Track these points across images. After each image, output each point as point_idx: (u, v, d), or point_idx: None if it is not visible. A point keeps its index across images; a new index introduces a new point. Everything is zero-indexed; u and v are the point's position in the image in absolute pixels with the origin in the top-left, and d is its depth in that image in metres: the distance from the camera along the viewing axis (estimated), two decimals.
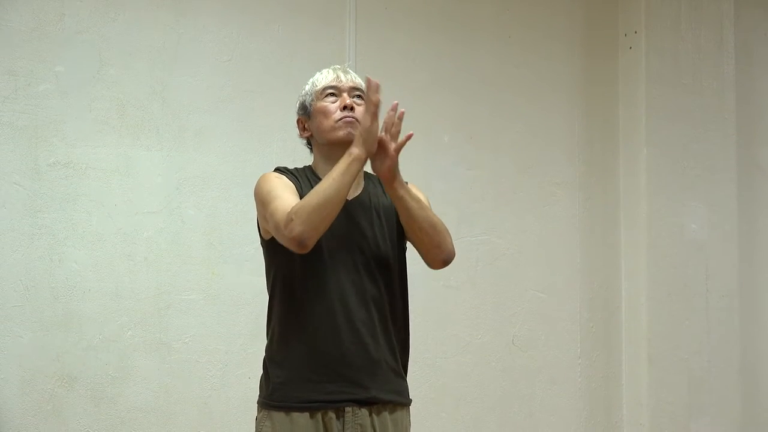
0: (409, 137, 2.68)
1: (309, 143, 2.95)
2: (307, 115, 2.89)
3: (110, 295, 4.02)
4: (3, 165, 3.90)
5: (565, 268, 4.90)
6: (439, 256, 2.82)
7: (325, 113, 2.82)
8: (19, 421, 3.86)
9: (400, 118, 2.68)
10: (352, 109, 2.81)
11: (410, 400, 2.85)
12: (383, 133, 2.67)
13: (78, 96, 4.02)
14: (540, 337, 4.83)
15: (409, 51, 4.65)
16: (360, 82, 2.88)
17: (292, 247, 2.63)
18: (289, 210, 2.63)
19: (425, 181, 4.54)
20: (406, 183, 2.88)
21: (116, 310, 4.02)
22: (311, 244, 2.62)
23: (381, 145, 2.68)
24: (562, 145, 4.94)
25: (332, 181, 2.63)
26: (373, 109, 2.64)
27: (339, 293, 2.72)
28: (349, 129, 2.78)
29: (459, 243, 4.66)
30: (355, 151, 2.66)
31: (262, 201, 2.76)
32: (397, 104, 2.68)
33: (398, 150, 2.68)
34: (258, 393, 2.83)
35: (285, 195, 2.71)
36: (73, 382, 3.94)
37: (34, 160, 3.94)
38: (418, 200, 2.76)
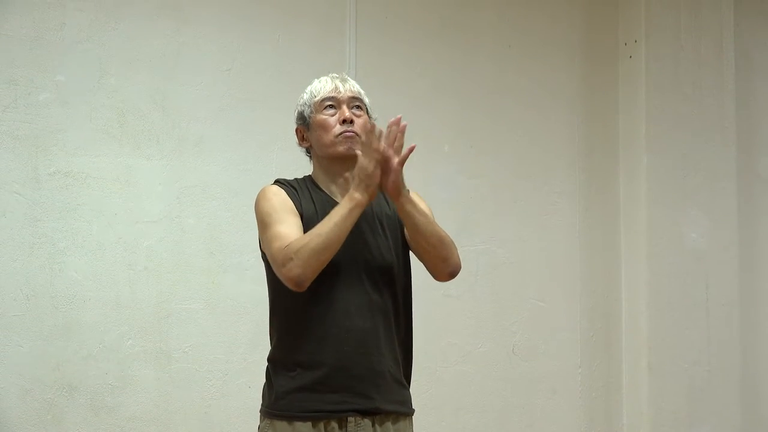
0: (411, 150, 2.65)
1: (308, 152, 2.95)
2: (306, 126, 2.88)
3: (110, 304, 4.01)
4: (3, 174, 3.90)
5: (566, 276, 4.90)
6: (445, 270, 2.81)
7: (325, 127, 2.81)
8: (18, 431, 3.85)
9: (402, 132, 2.66)
10: (351, 122, 2.80)
11: (413, 410, 2.85)
12: (386, 147, 2.65)
13: (78, 105, 4.02)
14: (540, 346, 4.82)
15: (409, 59, 4.65)
16: (359, 90, 2.88)
17: (289, 286, 2.65)
18: (288, 244, 2.64)
19: (425, 189, 4.50)
20: (408, 190, 2.88)
21: (116, 320, 4.02)
22: (307, 285, 2.64)
23: (384, 160, 2.66)
24: (563, 153, 4.94)
25: (333, 225, 2.62)
26: (376, 156, 2.63)
27: (342, 303, 2.72)
28: (349, 144, 2.78)
29: (459, 252, 4.66)
30: (357, 196, 2.65)
31: (262, 222, 2.77)
32: (400, 118, 2.66)
33: (401, 163, 2.66)
34: (261, 401, 2.82)
35: (284, 219, 2.71)
36: (73, 391, 3.94)
37: (35, 169, 3.94)
38: (424, 214, 2.75)
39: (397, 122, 2.66)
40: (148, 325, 4.06)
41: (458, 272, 2.84)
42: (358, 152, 2.68)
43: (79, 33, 4.05)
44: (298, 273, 2.61)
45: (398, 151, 2.66)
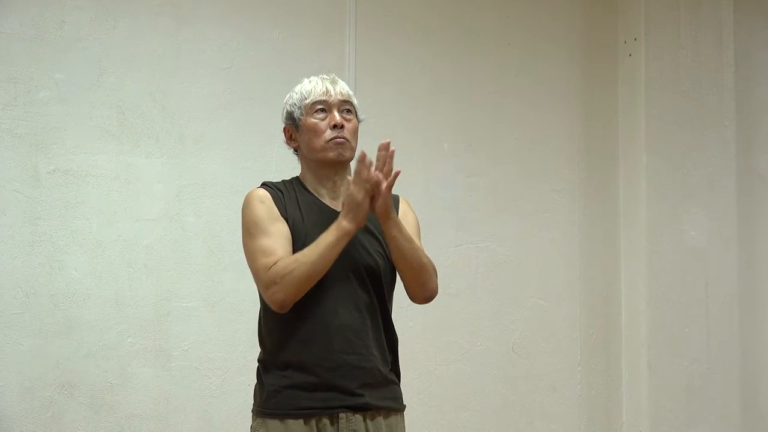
0: (396, 175, 2.67)
1: (295, 151, 2.94)
2: (295, 127, 2.88)
3: (110, 302, 4.02)
4: (3, 172, 3.91)
5: (565, 275, 4.90)
6: (422, 294, 2.85)
7: (315, 131, 2.81)
8: (18, 429, 3.86)
9: (391, 157, 2.67)
10: (342, 127, 2.80)
11: (404, 406, 2.87)
12: (376, 172, 2.66)
13: (78, 103, 4.02)
14: (540, 344, 4.83)
15: (409, 58, 4.65)
16: (348, 93, 2.88)
17: (272, 307, 2.70)
18: (273, 264, 2.67)
19: (425, 188, 4.55)
20: (398, 196, 2.92)
21: (116, 318, 4.02)
22: (290, 307, 2.69)
23: (375, 184, 2.67)
24: (562, 151, 4.94)
25: (320, 255, 2.66)
26: (366, 186, 2.64)
27: (332, 302, 2.74)
28: (340, 150, 2.80)
29: (459, 250, 4.70)
30: (345, 225, 2.67)
31: (247, 231, 2.79)
32: (389, 142, 2.66)
33: (389, 188, 2.67)
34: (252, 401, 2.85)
35: (270, 230, 2.73)
36: (72, 389, 3.94)
37: (34, 167, 3.95)
38: (409, 240, 2.76)
39: (386, 146, 2.66)
40: (148, 323, 4.07)
41: (434, 297, 2.88)
42: (349, 178, 2.71)
43: (78, 31, 4.05)
44: (281, 298, 2.67)
45: (387, 175, 2.67)
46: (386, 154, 2.66)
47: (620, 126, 5.02)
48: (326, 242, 2.66)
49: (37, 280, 3.92)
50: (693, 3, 5.02)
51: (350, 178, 2.70)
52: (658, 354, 4.84)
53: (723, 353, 4.94)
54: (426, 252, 2.87)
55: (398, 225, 2.74)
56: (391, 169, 2.67)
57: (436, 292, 2.88)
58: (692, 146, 4.96)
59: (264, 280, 2.69)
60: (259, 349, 2.88)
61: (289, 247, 2.73)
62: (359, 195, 2.65)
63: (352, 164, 2.76)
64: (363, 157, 2.65)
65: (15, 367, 3.87)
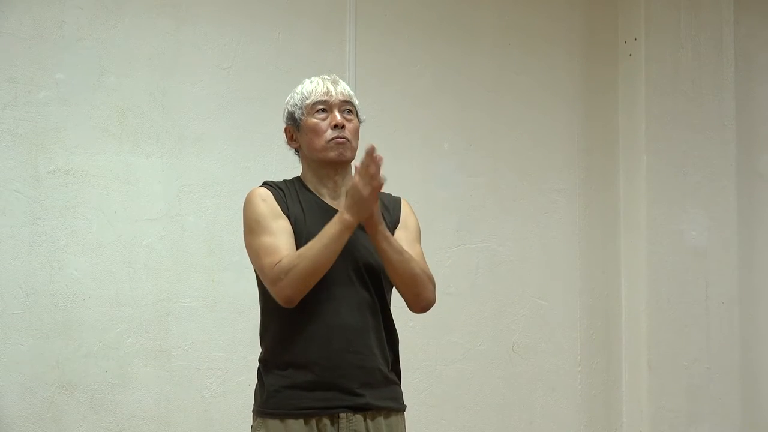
0: (381, 185, 2.66)
1: (296, 152, 2.94)
2: (296, 127, 2.88)
3: (110, 302, 4.02)
4: (3, 172, 3.91)
5: (565, 274, 4.90)
6: (417, 304, 2.85)
7: (316, 131, 2.81)
8: (18, 429, 3.86)
9: (379, 168, 2.65)
10: (342, 127, 2.80)
11: (404, 406, 2.86)
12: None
13: (78, 103, 4.03)
14: (540, 344, 4.82)
15: (409, 57, 4.65)
16: (349, 93, 2.87)
17: (280, 303, 2.70)
18: (278, 261, 2.67)
19: (425, 187, 4.55)
20: (400, 198, 2.92)
21: (116, 318, 4.02)
22: (297, 302, 2.69)
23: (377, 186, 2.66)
24: (562, 151, 4.94)
25: (323, 247, 2.65)
26: (374, 183, 2.63)
27: (333, 302, 2.74)
28: (340, 150, 2.79)
29: (459, 250, 4.70)
30: (348, 218, 2.66)
31: (250, 229, 2.79)
32: (381, 159, 2.64)
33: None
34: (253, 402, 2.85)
35: (273, 229, 2.73)
36: (72, 389, 3.94)
37: (35, 167, 3.95)
38: (400, 252, 2.74)
39: (375, 158, 2.64)
40: (148, 323, 4.07)
41: (431, 307, 2.87)
42: (354, 174, 2.68)
43: (78, 31, 4.05)
44: (288, 294, 2.67)
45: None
46: (375, 167, 2.64)
47: (620, 126, 5.02)
48: (329, 235, 2.66)
49: (37, 280, 3.93)
50: (693, 3, 5.01)
51: (356, 165, 2.68)
52: (658, 354, 4.84)
53: (723, 353, 4.94)
54: (424, 257, 2.88)
55: (387, 238, 2.73)
56: (382, 184, 2.66)
57: (433, 302, 2.87)
58: (692, 146, 4.96)
59: (270, 276, 2.69)
60: (259, 349, 2.88)
61: (292, 242, 2.73)
62: (365, 191, 2.63)
63: (353, 164, 2.76)
64: (372, 150, 2.63)
65: (15, 367, 3.88)
